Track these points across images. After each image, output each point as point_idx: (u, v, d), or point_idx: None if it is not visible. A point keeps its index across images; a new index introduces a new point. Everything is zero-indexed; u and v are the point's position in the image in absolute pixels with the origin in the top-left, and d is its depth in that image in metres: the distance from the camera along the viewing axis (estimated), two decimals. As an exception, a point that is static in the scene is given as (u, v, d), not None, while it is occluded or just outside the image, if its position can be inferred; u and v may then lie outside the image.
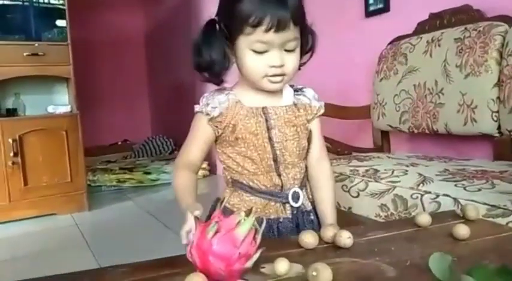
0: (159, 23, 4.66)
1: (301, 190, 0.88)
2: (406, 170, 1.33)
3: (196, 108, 0.86)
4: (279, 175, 0.85)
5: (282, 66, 0.79)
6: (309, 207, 0.90)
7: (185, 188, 0.82)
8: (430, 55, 1.64)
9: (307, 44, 0.85)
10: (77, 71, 2.71)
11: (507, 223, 0.93)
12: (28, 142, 2.54)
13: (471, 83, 1.49)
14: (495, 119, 1.44)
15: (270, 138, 0.83)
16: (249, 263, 0.52)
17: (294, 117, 0.86)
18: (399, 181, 1.27)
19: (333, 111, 1.87)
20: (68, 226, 2.43)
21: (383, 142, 1.92)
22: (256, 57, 0.78)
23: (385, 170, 1.37)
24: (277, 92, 0.87)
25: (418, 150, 1.77)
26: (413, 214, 1.18)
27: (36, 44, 2.55)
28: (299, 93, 0.91)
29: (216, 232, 0.51)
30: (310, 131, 0.90)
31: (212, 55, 0.81)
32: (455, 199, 1.07)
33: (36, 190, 2.56)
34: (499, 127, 1.44)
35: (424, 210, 1.14)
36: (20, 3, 2.54)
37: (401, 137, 1.94)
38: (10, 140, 2.45)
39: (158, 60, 4.82)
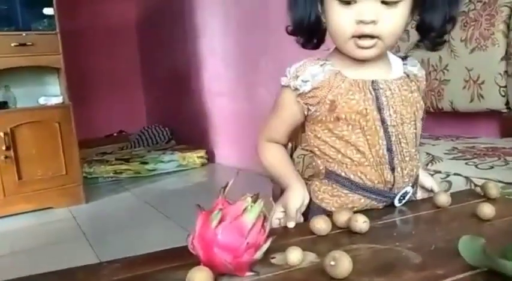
0: (151, 9, 4.55)
1: (412, 188, 0.72)
2: (413, 150, 1.28)
3: (283, 81, 0.71)
4: (392, 169, 0.68)
5: (374, 22, 0.61)
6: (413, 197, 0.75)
7: (281, 160, 0.75)
8: (434, 30, 1.58)
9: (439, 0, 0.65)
10: (69, 61, 2.63)
11: (524, 201, 0.88)
12: (20, 135, 2.47)
13: (477, 58, 1.43)
14: (503, 94, 1.38)
15: (382, 121, 0.66)
16: (259, 254, 0.46)
17: (410, 93, 0.69)
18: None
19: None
20: (65, 220, 2.39)
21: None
22: (342, 9, 0.63)
23: (391, 150, 1.32)
24: (386, 60, 0.70)
25: (423, 129, 1.72)
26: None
27: (24, 34, 2.47)
28: (405, 62, 0.74)
29: (221, 221, 0.45)
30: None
31: (299, 11, 0.68)
32: (467, 178, 1.02)
33: (31, 184, 2.51)
34: (507, 103, 1.39)
35: (434, 190, 1.10)
36: (4, -9, 2.45)
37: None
38: (1, 134, 2.39)
39: (151, 47, 4.72)
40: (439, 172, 1.10)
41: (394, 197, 0.70)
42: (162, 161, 3.43)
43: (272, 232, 0.50)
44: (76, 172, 2.64)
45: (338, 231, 0.59)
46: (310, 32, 0.70)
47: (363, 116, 0.66)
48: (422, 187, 0.79)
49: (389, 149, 0.68)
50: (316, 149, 0.72)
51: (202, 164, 3.57)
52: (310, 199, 0.74)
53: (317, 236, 0.58)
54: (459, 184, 1.03)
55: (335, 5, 0.64)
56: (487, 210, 0.60)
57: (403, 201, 0.71)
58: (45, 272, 0.51)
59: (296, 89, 0.69)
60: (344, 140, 0.67)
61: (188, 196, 2.75)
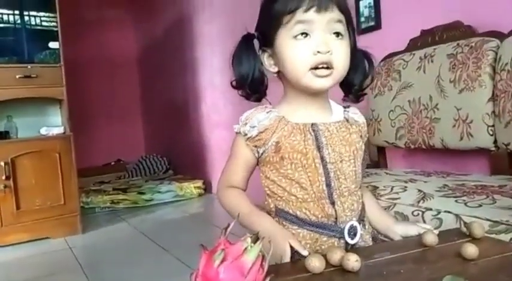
0: (152, 42, 4.68)
1: (359, 224, 0.76)
2: (406, 187, 1.33)
3: (235, 128, 0.79)
4: (333, 204, 0.73)
5: (329, 52, 0.69)
6: (368, 241, 0.79)
7: (241, 200, 0.78)
8: (424, 71, 1.65)
9: (359, 60, 0.77)
10: (69, 91, 2.70)
11: (511, 239, 0.92)
12: (20, 165, 2.51)
13: (466, 98, 1.50)
14: (491, 133, 1.44)
15: (322, 159, 0.73)
16: (257, 292, 0.50)
17: (348, 134, 0.76)
18: (399, 198, 1.26)
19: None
20: (62, 250, 2.39)
21: (379, 157, 1.92)
22: (298, 43, 0.70)
23: (384, 186, 1.36)
24: (327, 106, 0.78)
25: (415, 165, 1.77)
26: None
27: (29, 66, 2.55)
28: (347, 110, 0.81)
29: (223, 260, 0.49)
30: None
31: (244, 68, 0.75)
32: (457, 216, 1.07)
33: (29, 214, 2.52)
34: (495, 141, 1.45)
35: (425, 227, 1.13)
36: (12, 25, 2.55)
37: (398, 153, 1.94)
38: (2, 163, 2.42)
39: (151, 79, 4.82)
40: (430, 209, 1.14)
41: (342, 231, 0.74)
42: (159, 192, 3.45)
43: (270, 270, 0.54)
44: (74, 202, 2.66)
45: (331, 269, 0.63)
46: (254, 86, 0.77)
47: (303, 155, 0.73)
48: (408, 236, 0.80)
49: (328, 185, 0.74)
50: (266, 189, 0.78)
51: (200, 195, 3.59)
52: None
53: (312, 274, 0.61)
54: (449, 222, 1.07)
55: (291, 41, 0.71)
56: (471, 250, 0.64)
57: (356, 238, 0.75)
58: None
59: (245, 134, 0.77)
60: (289, 179, 0.74)
61: (185, 227, 2.76)
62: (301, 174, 0.73)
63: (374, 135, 1.86)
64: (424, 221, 1.14)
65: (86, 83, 4.63)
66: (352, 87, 0.79)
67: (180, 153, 4.24)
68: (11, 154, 2.47)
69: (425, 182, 1.37)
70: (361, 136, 0.80)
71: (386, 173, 1.59)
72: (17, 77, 2.49)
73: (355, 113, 0.81)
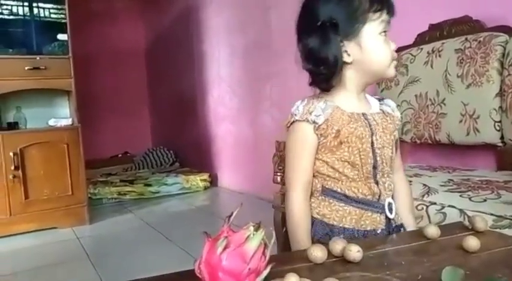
0: (160, 34, 4.69)
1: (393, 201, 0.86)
2: (410, 181, 1.32)
3: (296, 116, 0.82)
4: (377, 183, 0.83)
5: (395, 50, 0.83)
6: (400, 221, 0.88)
7: (307, 231, 0.82)
8: (431, 66, 1.65)
9: None
10: (78, 83, 2.71)
11: (514, 234, 0.92)
12: (29, 155, 2.53)
13: (473, 93, 1.49)
14: (498, 128, 1.44)
15: (372, 144, 0.82)
16: (259, 279, 0.51)
17: (387, 124, 0.86)
18: (405, 191, 1.26)
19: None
20: (69, 240, 2.42)
21: (385, 152, 1.92)
22: (383, 40, 0.80)
23: (389, 181, 1.36)
24: (367, 100, 0.88)
25: (421, 160, 1.77)
26: (419, 224, 1.17)
27: (38, 58, 2.57)
28: (381, 102, 0.90)
29: (225, 247, 0.50)
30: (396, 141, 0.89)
31: (329, 56, 0.79)
32: (461, 210, 1.07)
33: (37, 204, 2.55)
34: (502, 137, 1.44)
35: (429, 221, 1.14)
36: (22, 17, 2.57)
37: (404, 148, 1.93)
38: (11, 154, 2.45)
39: (159, 71, 4.84)
40: (435, 204, 1.15)
41: (383, 207, 0.83)
42: (165, 184, 3.48)
43: (272, 258, 0.54)
44: (82, 192, 2.69)
45: (333, 259, 0.64)
46: (333, 73, 0.80)
47: (360, 140, 0.81)
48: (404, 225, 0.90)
49: (375, 167, 0.83)
50: (314, 170, 0.85)
51: (205, 188, 3.61)
52: (312, 216, 0.84)
53: (314, 263, 0.62)
54: (453, 216, 1.07)
55: (378, 36, 0.79)
56: (472, 243, 0.64)
57: (393, 213, 0.84)
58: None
59: (314, 122, 0.81)
60: (343, 161, 0.82)
61: (190, 219, 2.79)
62: (356, 156, 0.81)
63: (380, 130, 1.85)
64: (428, 216, 1.14)
65: (95, 74, 4.65)
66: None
67: (186, 146, 4.26)
68: (20, 145, 2.50)
69: (430, 176, 1.37)
70: (395, 127, 0.88)
71: (392, 168, 1.59)
72: (26, 68, 2.52)
73: (388, 106, 0.89)
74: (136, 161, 4.41)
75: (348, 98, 0.84)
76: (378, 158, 0.83)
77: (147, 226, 2.64)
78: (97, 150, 4.52)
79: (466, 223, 0.77)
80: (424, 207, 1.16)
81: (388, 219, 0.84)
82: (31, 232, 2.51)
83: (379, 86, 1.86)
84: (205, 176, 3.64)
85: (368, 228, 0.81)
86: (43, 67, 2.56)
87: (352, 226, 0.81)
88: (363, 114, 0.83)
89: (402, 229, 0.86)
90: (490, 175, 1.33)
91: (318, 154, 0.83)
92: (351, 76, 0.83)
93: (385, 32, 0.80)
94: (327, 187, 0.84)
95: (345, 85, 0.84)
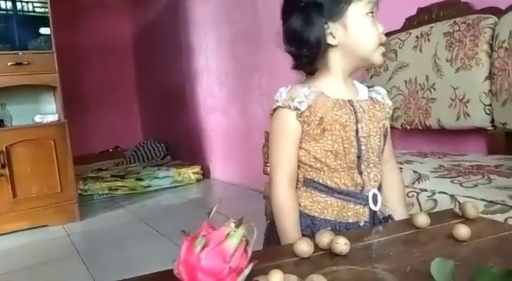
0: (146, 26, 4.62)
1: (379, 192, 0.82)
2: (401, 168, 1.30)
3: (278, 103, 0.78)
4: (360, 173, 0.79)
5: (384, 34, 0.78)
6: (387, 213, 0.84)
7: (295, 220, 0.78)
8: (420, 50, 1.62)
9: None
10: (64, 77, 2.66)
11: (506, 219, 0.91)
12: (16, 153, 2.49)
13: (462, 77, 1.47)
14: (488, 112, 1.42)
15: (356, 132, 0.78)
16: (241, 278, 0.48)
17: (375, 112, 0.81)
18: (395, 179, 1.25)
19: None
20: (60, 237, 2.39)
21: (376, 139, 1.90)
22: (369, 21, 0.75)
23: (379, 168, 1.35)
24: (354, 87, 0.84)
25: (411, 147, 1.75)
26: (410, 212, 1.15)
27: (21, 53, 2.51)
28: (370, 89, 0.85)
29: (204, 246, 0.48)
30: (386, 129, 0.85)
31: (311, 37, 0.75)
32: (452, 196, 1.05)
33: (26, 202, 2.51)
34: (492, 121, 1.43)
35: (420, 208, 1.12)
36: (4, 12, 2.49)
37: (394, 134, 1.91)
38: (-3, 152, 2.40)
39: (147, 64, 4.77)
40: (425, 190, 1.13)
41: (367, 199, 0.80)
42: (157, 178, 3.45)
43: (255, 255, 0.52)
44: (71, 189, 2.65)
45: (320, 253, 0.61)
46: (315, 56, 0.77)
47: (343, 127, 0.77)
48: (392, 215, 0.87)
49: (359, 156, 0.79)
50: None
51: (198, 180, 3.58)
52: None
53: (300, 258, 0.60)
54: (444, 202, 1.06)
55: (365, 18, 0.75)
56: (463, 231, 0.63)
57: (378, 205, 0.81)
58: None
59: (296, 108, 0.76)
60: (325, 150, 0.78)
61: (183, 212, 2.76)
62: (340, 145, 0.77)
63: (370, 117, 1.83)
64: (419, 203, 1.13)
65: (82, 69, 4.58)
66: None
67: (177, 138, 4.22)
68: (5, 142, 2.45)
69: (421, 163, 1.35)
70: (386, 115, 0.84)
71: (382, 155, 1.57)
72: (9, 64, 2.46)
73: (378, 93, 0.85)
74: (127, 156, 4.37)
75: (333, 83, 0.80)
76: (363, 147, 0.79)
77: (139, 220, 2.61)
78: (87, 145, 4.47)
79: (457, 210, 0.76)
80: (415, 194, 1.14)
81: (372, 211, 0.80)
82: (21, 230, 2.47)
83: (368, 72, 1.84)
84: (197, 168, 3.61)
85: (350, 220, 0.79)
86: (26, 62, 2.50)
87: (334, 218, 0.78)
88: (349, 101, 0.79)
89: (390, 221, 0.84)
90: (481, 160, 1.31)
91: (301, 142, 0.79)
92: (336, 60, 0.79)
93: (372, 13, 0.76)
94: (308, 177, 0.80)
95: (330, 70, 0.80)
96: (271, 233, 0.82)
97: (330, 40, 0.76)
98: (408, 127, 1.70)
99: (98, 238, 2.38)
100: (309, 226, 0.78)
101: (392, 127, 1.75)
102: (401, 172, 1.26)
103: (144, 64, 4.85)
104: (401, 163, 1.37)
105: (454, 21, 1.53)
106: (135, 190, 3.35)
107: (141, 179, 3.42)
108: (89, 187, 3.29)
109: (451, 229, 0.65)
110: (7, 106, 2.61)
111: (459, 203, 1.01)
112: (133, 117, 5.08)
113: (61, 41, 2.69)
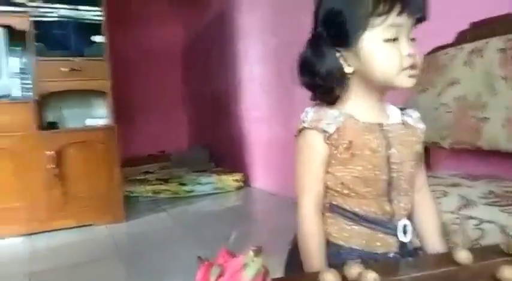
0: (196, 35, 4.73)
1: (409, 222, 0.77)
2: (447, 192, 1.24)
3: (304, 123, 0.75)
4: (390, 201, 0.74)
5: (415, 55, 0.71)
6: (418, 244, 0.80)
7: (321, 246, 0.74)
8: (472, 67, 1.53)
9: None
10: (116, 83, 2.76)
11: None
12: (67, 154, 2.62)
13: (519, 96, 1.37)
14: (547, 135, 1.31)
15: (388, 158, 0.73)
16: (257, 311, 0.47)
17: (407, 137, 0.76)
18: (439, 203, 1.17)
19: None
20: (104, 237, 2.48)
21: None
22: (390, 47, 0.69)
23: (423, 190, 1.28)
24: (385, 109, 0.79)
25: (461, 167, 1.65)
26: (454, 240, 1.08)
27: (76, 60, 2.63)
28: (403, 112, 0.80)
29: (220, 275, 0.46)
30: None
31: (325, 67, 0.72)
32: (501, 227, 0.98)
33: (75, 201, 2.63)
34: (551, 144, 1.32)
35: (465, 238, 1.05)
36: (61, 19, 2.63)
37: (442, 154, 1.83)
38: (50, 152, 2.53)
39: (194, 71, 4.88)
40: (472, 218, 1.06)
41: (395, 228, 0.75)
42: (199, 183, 3.49)
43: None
44: (117, 191, 2.74)
45: (347, 285, 0.58)
46: (333, 86, 0.74)
47: (374, 153, 0.73)
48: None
49: (390, 183, 0.74)
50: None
51: (238, 188, 3.59)
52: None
53: (324, 290, 0.57)
54: (492, 232, 0.99)
55: (383, 46, 0.70)
56: (507, 274, 0.57)
57: (408, 236, 0.76)
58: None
59: (324, 130, 0.73)
60: (353, 175, 0.73)
61: (221, 220, 2.78)
62: (370, 171, 0.73)
63: (416, 134, 1.75)
64: (465, 231, 1.05)
65: (133, 74, 4.76)
66: None
67: (220, 145, 4.27)
68: (59, 144, 2.58)
69: (469, 187, 1.27)
70: (418, 140, 0.79)
71: (429, 176, 1.48)
72: (65, 70, 2.59)
73: (410, 116, 0.80)
74: (172, 160, 4.47)
75: (361, 107, 0.75)
76: (394, 174, 0.74)
77: (178, 225, 2.66)
78: (136, 148, 4.64)
79: (503, 246, 0.69)
80: (460, 221, 1.07)
81: (402, 242, 0.75)
82: (69, 228, 2.59)
83: (415, 88, 1.76)
84: (238, 176, 3.62)
85: (379, 251, 0.73)
86: (80, 69, 2.63)
87: (361, 247, 0.74)
88: (379, 124, 0.74)
89: (421, 253, 0.78)
90: (537, 187, 1.21)
91: (328, 166, 0.75)
92: (356, 86, 0.75)
93: (394, 39, 0.69)
94: (335, 203, 0.76)
95: (353, 95, 0.75)
96: (293, 259, 0.78)
97: (346, 69, 0.73)
98: (457, 147, 1.60)
99: (139, 240, 2.44)
100: (334, 254, 0.74)
101: (439, 146, 1.67)
102: (446, 196, 1.21)
103: (191, 71, 4.97)
104: (447, 186, 1.29)
105: (508, 38, 1.43)
106: (177, 194, 3.41)
107: (184, 184, 3.48)
108: (134, 189, 3.39)
109: (495, 269, 0.60)
110: (62, 109, 2.75)
111: (510, 235, 0.94)
112: (180, 122, 5.20)
113: (113, 47, 2.79)
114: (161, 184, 3.50)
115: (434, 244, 0.80)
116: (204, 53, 4.52)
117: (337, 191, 0.75)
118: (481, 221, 1.03)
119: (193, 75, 4.91)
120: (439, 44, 1.74)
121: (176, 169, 4.21)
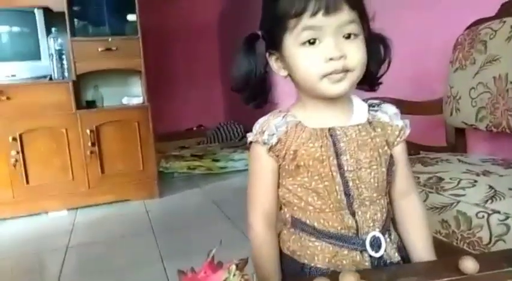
0: (233, 9, 4.66)
1: (383, 235, 0.69)
2: (475, 181, 1.17)
3: (250, 137, 0.73)
4: (353, 214, 0.68)
5: (342, 57, 0.63)
6: (396, 258, 0.71)
7: (274, 267, 0.72)
8: (515, 43, 1.41)
9: (374, 47, 0.69)
10: (152, 60, 2.80)
11: None
12: (104, 132, 2.71)
13: None
14: None
15: (339, 166, 0.67)
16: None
17: (369, 138, 0.69)
18: (464, 195, 1.12)
19: (400, 106, 1.70)
20: (139, 212, 2.58)
21: (457, 140, 1.72)
22: (308, 51, 0.64)
23: (450, 179, 1.21)
24: (346, 109, 0.72)
25: (497, 151, 1.56)
26: (477, 235, 1.03)
27: (110, 39, 2.68)
28: (375, 109, 0.73)
29: (199, 290, 0.46)
30: (392, 158, 0.72)
31: (242, 70, 0.71)
32: (528, 224, 0.92)
33: (112, 178, 2.74)
34: None
35: (490, 232, 1.00)
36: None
37: (479, 136, 1.72)
38: (88, 131, 2.63)
39: (230, 47, 4.83)
40: (498, 212, 1.00)
41: (364, 244, 0.68)
42: (232, 159, 3.53)
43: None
44: (152, 168, 2.83)
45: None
46: (256, 87, 0.72)
47: (320, 162, 0.67)
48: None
49: (347, 194, 0.68)
50: (281, 198, 0.73)
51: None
52: (281, 251, 0.74)
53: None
54: (519, 229, 0.93)
55: (300, 50, 0.65)
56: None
57: (380, 251, 0.68)
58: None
59: (265, 143, 0.70)
60: (305, 188, 0.69)
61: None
62: (318, 183, 0.68)
63: (451, 115, 1.66)
64: (489, 226, 1.00)
65: (169, 50, 4.79)
66: (367, 76, 0.70)
67: (254, 121, 4.25)
68: (96, 122, 2.67)
69: (500, 176, 1.19)
70: (386, 141, 0.71)
71: (460, 161, 1.42)
72: (99, 49, 2.65)
73: (385, 113, 0.73)
74: (208, 135, 4.53)
75: (310, 111, 0.71)
76: (350, 183, 0.67)
77: (210, 202, 2.71)
78: (174, 123, 4.73)
79: (517, 253, 0.65)
80: (485, 215, 1.02)
81: (375, 258, 0.68)
82: (108, 203, 2.72)
83: (452, 65, 1.65)
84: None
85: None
86: (115, 48, 2.67)
87: (326, 265, 0.67)
88: (329, 129, 0.68)
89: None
90: None
91: (280, 178, 0.72)
92: (299, 91, 0.72)
93: (312, 42, 0.63)
94: (296, 217, 0.71)
95: (303, 98, 0.72)
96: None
97: (281, 72, 0.71)
98: (494, 130, 1.50)
99: (171, 216, 2.53)
100: (299, 273, 0.70)
101: (475, 128, 1.58)
102: (475, 186, 1.14)
103: (227, 48, 4.93)
104: (477, 174, 1.22)
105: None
106: (211, 170, 3.46)
107: (217, 160, 3.53)
108: (170, 165, 3.48)
109: (504, 279, 0.56)
110: (99, 88, 2.83)
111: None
112: (217, 98, 5.22)
113: (148, 24, 2.80)
114: (195, 160, 3.56)
115: (421, 258, 0.73)
116: (241, 27, 4.46)
117: (295, 205, 0.71)
118: (507, 216, 0.97)
119: (229, 51, 4.88)
120: (481, 16, 1.61)
121: (211, 144, 4.27)
